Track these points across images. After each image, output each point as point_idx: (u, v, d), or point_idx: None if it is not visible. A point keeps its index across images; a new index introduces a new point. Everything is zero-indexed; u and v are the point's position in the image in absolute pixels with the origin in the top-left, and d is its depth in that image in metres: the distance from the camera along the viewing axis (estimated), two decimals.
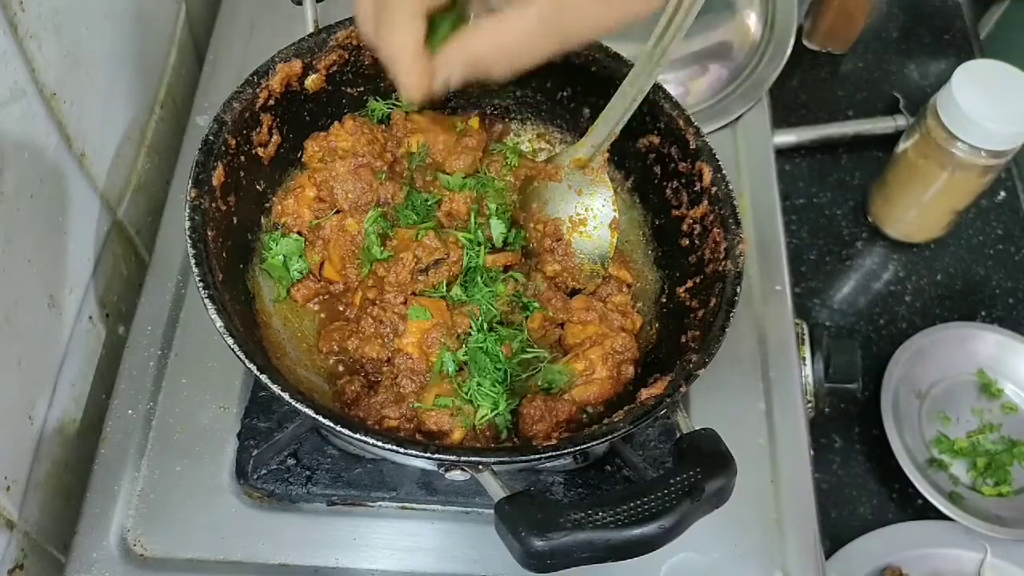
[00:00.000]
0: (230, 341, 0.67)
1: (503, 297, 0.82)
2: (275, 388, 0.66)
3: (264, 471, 0.86)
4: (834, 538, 1.12)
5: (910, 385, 1.23)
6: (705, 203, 0.82)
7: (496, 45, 0.62)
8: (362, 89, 0.89)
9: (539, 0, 0.59)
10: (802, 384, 0.98)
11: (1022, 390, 1.24)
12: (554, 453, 0.67)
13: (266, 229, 0.86)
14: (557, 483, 0.87)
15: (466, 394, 0.76)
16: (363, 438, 0.66)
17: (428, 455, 0.66)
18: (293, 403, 0.66)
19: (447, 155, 0.89)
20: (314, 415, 0.66)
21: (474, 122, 0.92)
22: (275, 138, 0.84)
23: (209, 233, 0.73)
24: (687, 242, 0.84)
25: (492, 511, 0.63)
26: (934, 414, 1.22)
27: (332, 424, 0.65)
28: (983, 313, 1.31)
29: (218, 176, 0.76)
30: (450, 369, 0.78)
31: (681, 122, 0.84)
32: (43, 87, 0.81)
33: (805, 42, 1.50)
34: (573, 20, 0.60)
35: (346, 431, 0.66)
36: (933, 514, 1.13)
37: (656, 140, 0.86)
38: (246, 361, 0.67)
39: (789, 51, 1.20)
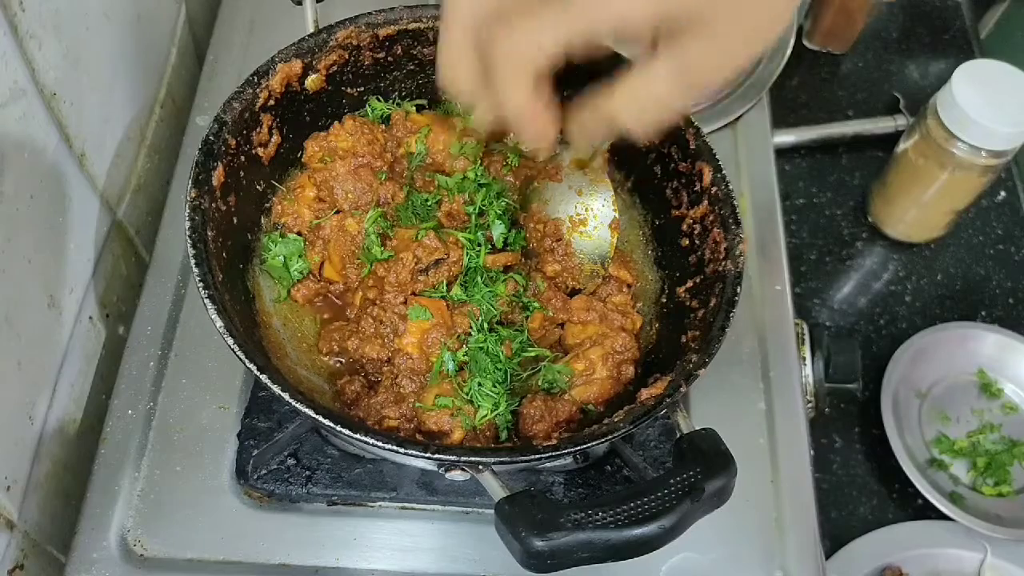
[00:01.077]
0: (230, 341, 0.67)
1: (503, 297, 0.82)
2: (275, 388, 0.66)
3: (264, 471, 0.86)
4: (834, 538, 1.12)
5: (910, 385, 1.23)
6: (705, 203, 0.82)
7: (632, 109, 0.61)
8: (362, 89, 0.89)
9: (661, 56, 0.57)
10: (802, 384, 0.98)
11: (1022, 390, 1.24)
12: (554, 453, 0.67)
13: (266, 229, 0.86)
14: (557, 483, 0.87)
15: (466, 394, 0.76)
16: (363, 438, 0.66)
17: (428, 455, 0.66)
18: (293, 403, 0.66)
19: (447, 155, 0.89)
20: (314, 415, 0.66)
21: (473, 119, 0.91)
22: (275, 138, 0.84)
23: (209, 233, 0.73)
24: (687, 242, 0.84)
25: (492, 511, 0.63)
26: (934, 414, 1.22)
27: (332, 424, 0.65)
28: (983, 313, 1.31)
29: (218, 176, 0.76)
30: (450, 369, 0.78)
31: (681, 122, 0.84)
32: (43, 87, 0.81)
33: (805, 42, 1.50)
34: (703, 67, 0.57)
35: (346, 431, 0.66)
36: (933, 514, 1.13)
37: (656, 140, 0.86)
38: (246, 361, 0.67)
39: (789, 51, 1.21)
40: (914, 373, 1.23)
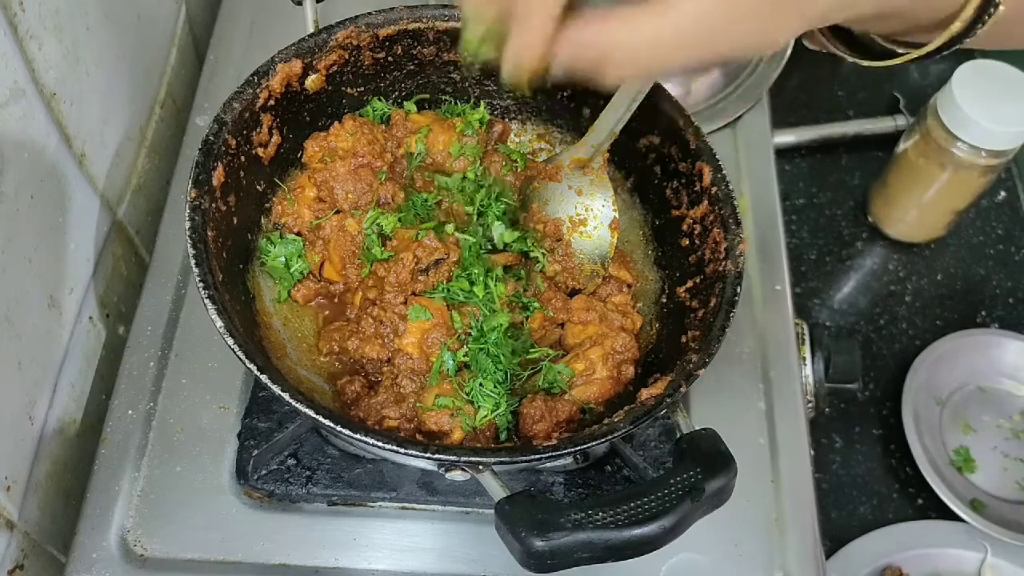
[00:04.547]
0: (230, 341, 0.67)
1: (503, 298, 0.82)
2: (275, 388, 0.66)
3: (264, 471, 0.86)
4: (834, 538, 1.12)
5: (931, 392, 1.22)
6: (705, 203, 0.82)
7: (619, 43, 0.49)
8: (362, 89, 0.89)
9: (683, 4, 0.48)
10: (802, 384, 0.98)
11: None
12: (554, 453, 0.67)
13: (266, 230, 0.86)
14: (557, 483, 0.87)
15: (467, 394, 0.76)
16: (363, 438, 0.66)
17: (428, 455, 0.66)
18: (293, 403, 0.66)
19: (447, 155, 0.89)
20: (314, 415, 0.66)
21: (475, 116, 0.91)
22: (275, 138, 0.84)
23: (209, 233, 0.73)
24: (687, 242, 0.84)
25: (492, 511, 0.63)
26: (955, 421, 1.22)
27: (332, 424, 0.65)
28: (983, 313, 1.31)
29: (218, 176, 0.76)
30: (450, 369, 0.78)
31: (681, 122, 0.83)
32: (43, 87, 0.81)
33: (805, 42, 1.49)
34: (720, 36, 0.48)
35: (346, 431, 0.66)
36: (933, 514, 1.13)
37: (656, 140, 0.86)
38: (246, 361, 0.67)
39: (789, 51, 1.20)
40: (935, 379, 1.22)
